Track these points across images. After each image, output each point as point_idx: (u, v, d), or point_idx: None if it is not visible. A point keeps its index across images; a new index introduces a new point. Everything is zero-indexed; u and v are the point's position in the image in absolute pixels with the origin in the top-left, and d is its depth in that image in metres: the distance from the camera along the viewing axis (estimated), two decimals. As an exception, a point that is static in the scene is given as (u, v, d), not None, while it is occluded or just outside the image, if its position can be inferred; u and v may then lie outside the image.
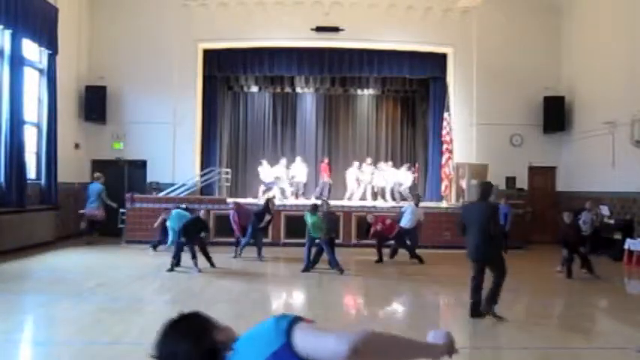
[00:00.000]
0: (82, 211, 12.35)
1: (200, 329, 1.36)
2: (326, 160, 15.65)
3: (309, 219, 9.24)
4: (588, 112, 13.15)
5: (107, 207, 12.27)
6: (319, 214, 9.30)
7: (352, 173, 15.11)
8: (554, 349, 5.11)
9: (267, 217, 10.52)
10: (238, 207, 10.80)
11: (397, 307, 7.32)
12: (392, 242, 10.39)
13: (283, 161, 14.92)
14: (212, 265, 9.06)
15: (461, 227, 6.32)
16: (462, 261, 10.83)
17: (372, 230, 10.24)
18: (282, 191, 14.60)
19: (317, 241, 9.17)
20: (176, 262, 8.86)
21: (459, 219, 6.57)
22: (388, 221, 10.24)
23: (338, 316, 6.35)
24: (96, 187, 12.23)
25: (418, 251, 10.24)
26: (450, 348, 1.44)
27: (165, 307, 6.38)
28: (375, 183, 14.95)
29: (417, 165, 16.00)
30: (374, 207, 12.97)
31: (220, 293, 7.44)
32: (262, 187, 14.30)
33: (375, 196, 15.06)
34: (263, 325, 1.31)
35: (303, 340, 1.22)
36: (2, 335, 5.08)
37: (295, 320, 1.27)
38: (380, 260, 10.10)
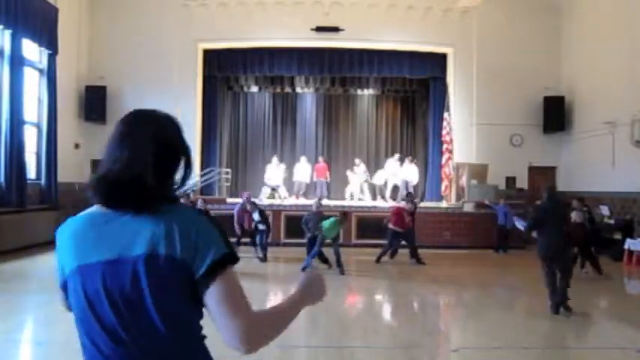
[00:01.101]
0: None
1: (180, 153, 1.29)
2: (321, 160, 15.62)
3: (332, 223, 8.95)
4: (588, 112, 13.15)
5: None
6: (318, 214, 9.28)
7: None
8: (554, 349, 5.11)
9: (255, 218, 10.12)
10: (252, 203, 10.43)
11: (397, 307, 7.32)
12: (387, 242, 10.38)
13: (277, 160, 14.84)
14: None
15: (532, 226, 6.46)
16: (462, 261, 10.89)
17: (403, 218, 10.01)
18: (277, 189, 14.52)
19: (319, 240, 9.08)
20: None
21: (532, 219, 6.63)
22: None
23: (338, 316, 6.35)
24: None
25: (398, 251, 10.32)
26: (321, 291, 1.43)
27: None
28: (375, 182, 14.96)
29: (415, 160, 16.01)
30: (374, 207, 12.97)
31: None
32: (267, 190, 14.17)
33: (374, 195, 15.08)
34: (193, 225, 1.17)
35: (216, 295, 1.14)
36: (2, 335, 5.07)
37: (226, 260, 1.16)
38: (377, 260, 10.03)
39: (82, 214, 1.24)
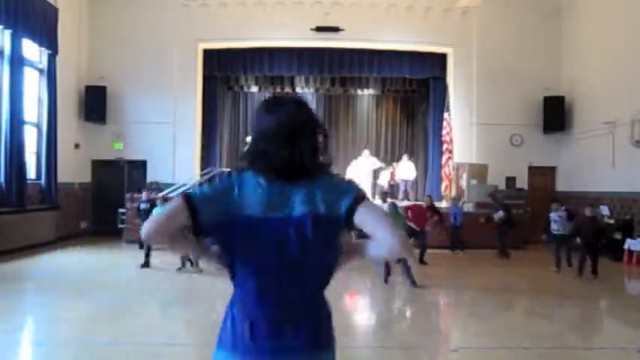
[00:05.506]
0: None
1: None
2: None
3: None
4: (588, 112, 13.14)
5: None
6: None
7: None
8: (554, 349, 5.11)
9: None
10: None
11: (397, 307, 7.32)
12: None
13: None
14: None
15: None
16: (462, 261, 10.88)
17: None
18: None
19: None
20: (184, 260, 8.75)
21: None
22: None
23: (338, 316, 6.35)
24: None
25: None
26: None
27: (165, 308, 6.39)
28: (380, 182, 15.01)
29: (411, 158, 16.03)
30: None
31: (221, 293, 7.42)
32: None
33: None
34: (341, 183, 1.57)
35: (364, 215, 1.49)
36: (2, 335, 5.08)
37: (361, 198, 1.51)
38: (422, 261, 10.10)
39: (245, 174, 1.53)
